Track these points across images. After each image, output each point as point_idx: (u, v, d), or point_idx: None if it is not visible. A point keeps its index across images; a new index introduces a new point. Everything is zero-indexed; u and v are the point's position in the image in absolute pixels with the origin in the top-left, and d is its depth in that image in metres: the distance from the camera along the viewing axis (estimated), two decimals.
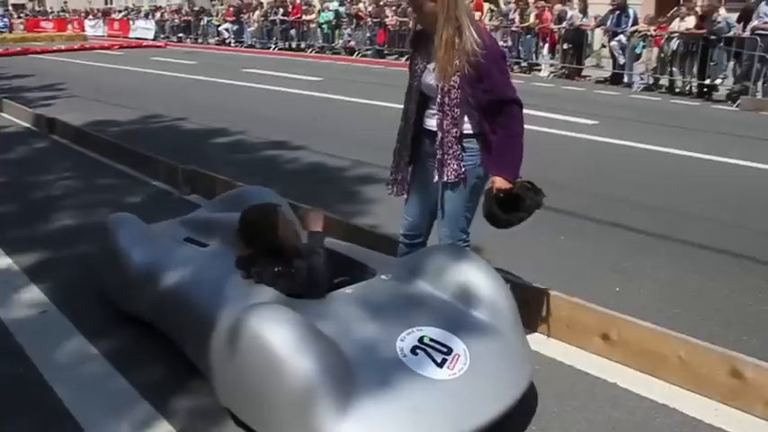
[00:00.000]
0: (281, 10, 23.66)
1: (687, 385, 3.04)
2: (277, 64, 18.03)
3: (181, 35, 28.55)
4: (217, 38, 26.39)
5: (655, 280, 4.25)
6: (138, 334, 3.45)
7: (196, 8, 30.03)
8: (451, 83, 2.98)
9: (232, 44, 25.22)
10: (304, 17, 22.78)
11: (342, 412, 2.26)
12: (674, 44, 12.82)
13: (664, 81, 13.45)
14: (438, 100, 3.05)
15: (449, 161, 3.09)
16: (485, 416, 2.43)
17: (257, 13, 24.94)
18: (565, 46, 15.26)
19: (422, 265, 3.01)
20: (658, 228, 5.13)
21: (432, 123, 3.15)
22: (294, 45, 23.18)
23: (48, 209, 5.63)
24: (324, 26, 21.86)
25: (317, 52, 21.83)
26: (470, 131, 3.10)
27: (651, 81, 13.63)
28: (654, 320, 3.33)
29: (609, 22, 14.27)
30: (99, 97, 12.08)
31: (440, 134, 3.10)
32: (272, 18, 23.96)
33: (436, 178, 3.15)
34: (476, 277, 2.90)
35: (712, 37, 12.12)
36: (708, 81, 12.32)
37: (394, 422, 2.30)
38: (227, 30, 25.71)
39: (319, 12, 22.45)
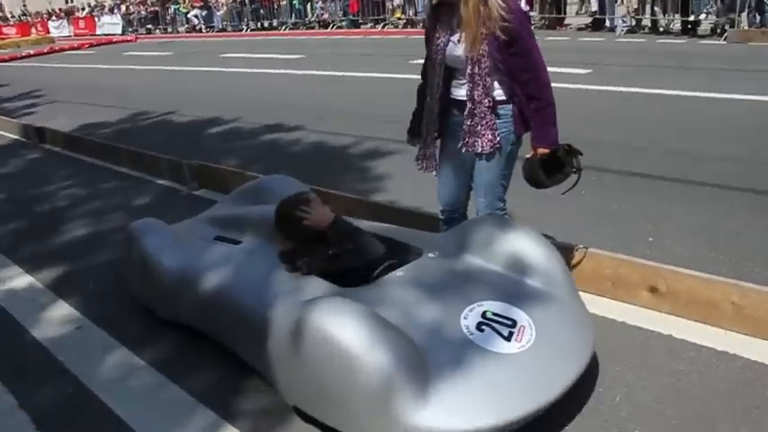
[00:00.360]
0: None
1: (743, 330, 3.02)
2: (253, 45, 17.79)
3: (149, 26, 28.07)
4: (186, 25, 25.99)
5: (685, 226, 4.22)
6: (180, 339, 3.40)
7: None
8: (481, 51, 2.91)
9: (203, 30, 24.86)
10: None
11: (421, 400, 2.22)
12: None
13: (646, 21, 13.36)
14: (468, 71, 2.97)
15: (483, 131, 3.03)
16: (559, 385, 2.40)
17: None
18: None
19: (468, 238, 2.96)
20: (676, 172, 5.11)
21: (461, 94, 3.08)
22: (266, 24, 22.86)
23: (57, 221, 5.52)
24: (295, 2, 21.53)
25: (290, 29, 21.56)
26: (503, 98, 3.04)
27: (633, 23, 13.53)
28: (694, 267, 3.31)
29: None
30: (81, 99, 11.86)
31: (470, 105, 3.03)
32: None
33: (471, 149, 3.09)
34: (525, 245, 2.86)
35: None
36: (692, 17, 12.24)
37: (473, 402, 2.26)
38: (196, 16, 25.32)
39: None
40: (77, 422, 2.91)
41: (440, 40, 3.07)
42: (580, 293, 3.38)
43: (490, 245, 2.89)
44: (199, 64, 14.86)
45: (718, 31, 11.71)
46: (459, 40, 2.98)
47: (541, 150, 3.04)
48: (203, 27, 24.99)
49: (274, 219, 3.02)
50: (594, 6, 14.04)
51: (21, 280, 4.43)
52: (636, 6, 13.30)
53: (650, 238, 4.08)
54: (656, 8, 12.91)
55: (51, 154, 8.06)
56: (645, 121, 6.71)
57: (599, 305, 3.37)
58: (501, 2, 2.85)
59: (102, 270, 4.42)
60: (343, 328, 2.29)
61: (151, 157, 6.41)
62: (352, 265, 2.87)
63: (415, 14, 18.40)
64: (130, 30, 28.59)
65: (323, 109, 8.69)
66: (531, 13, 15.47)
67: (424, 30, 3.19)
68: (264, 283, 2.88)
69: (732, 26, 11.46)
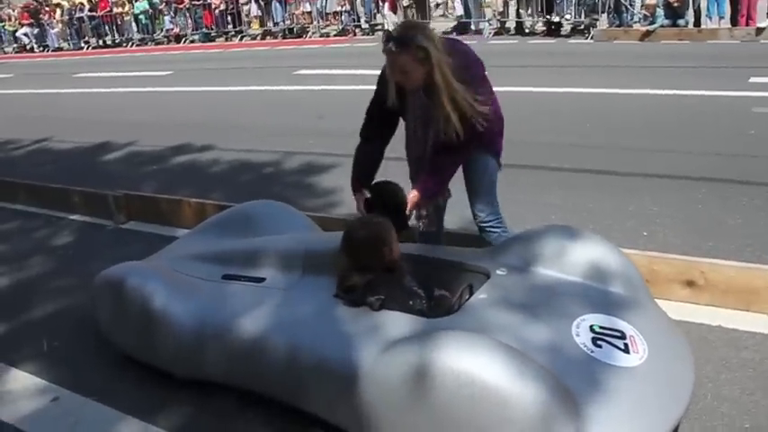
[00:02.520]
0: (87, 5, 21.67)
1: None
2: (104, 64, 16.56)
3: None
4: (15, 45, 23.81)
5: (668, 217, 4.27)
6: (195, 396, 2.92)
7: None
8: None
9: (35, 50, 22.88)
10: (115, 10, 21.07)
11: (579, 425, 2.00)
12: None
13: (510, 24, 13.84)
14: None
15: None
16: (688, 391, 2.27)
17: (58, 12, 22.72)
18: (405, 2, 15.26)
19: (534, 250, 2.75)
20: (629, 167, 5.20)
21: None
22: (110, 41, 21.46)
23: None
24: (141, 17, 20.36)
25: (137, 45, 20.37)
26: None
27: (498, 25, 13.97)
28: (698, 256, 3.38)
29: None
30: None
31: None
32: (78, 16, 21.93)
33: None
34: (598, 252, 2.71)
35: None
36: (556, 18, 12.81)
37: (628, 422, 2.09)
38: (26, 35, 23.21)
39: (132, 2, 20.81)
40: None
41: (411, 116, 3.07)
42: None
43: (562, 255, 2.70)
44: (51, 86, 13.56)
45: (583, 30, 12.34)
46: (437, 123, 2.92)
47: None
48: (35, 46, 23.01)
49: (345, 248, 2.66)
50: (459, 10, 14.33)
51: None
52: (501, 9, 13.75)
53: (644, 233, 4.09)
54: (520, 10, 13.40)
55: None
56: (560, 120, 6.84)
57: None
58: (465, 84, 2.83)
59: (49, 325, 3.77)
60: (482, 364, 2.03)
61: (59, 190, 5.64)
62: (424, 295, 2.58)
63: (274, 24, 18.00)
64: None
65: (221, 126, 8.16)
66: (395, 19, 15.61)
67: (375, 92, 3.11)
68: (328, 324, 2.53)
69: (594, 26, 12.12)
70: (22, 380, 3.28)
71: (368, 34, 16.00)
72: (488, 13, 14.29)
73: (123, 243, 4.81)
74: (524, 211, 4.38)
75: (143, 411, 2.90)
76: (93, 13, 21.48)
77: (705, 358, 2.86)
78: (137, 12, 20.40)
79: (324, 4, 16.98)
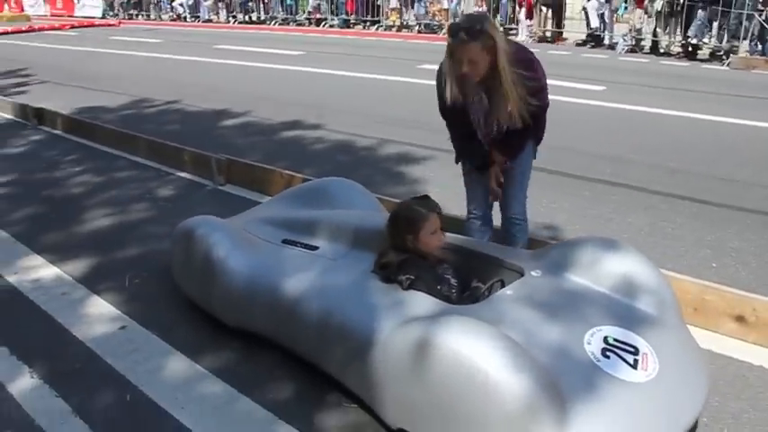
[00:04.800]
0: None
1: None
2: (245, 39, 17.44)
3: (132, 12, 27.43)
4: (171, 13, 25.46)
5: (746, 253, 4.14)
6: (243, 347, 3.19)
7: None
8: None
9: (188, 20, 24.37)
10: None
11: (562, 426, 2.08)
12: (658, 4, 12.77)
13: (645, 42, 13.43)
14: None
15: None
16: (690, 415, 2.30)
17: None
18: (543, 9, 15.13)
19: (571, 257, 2.81)
20: (723, 198, 5.04)
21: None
22: (255, 18, 22.53)
23: (75, 208, 5.23)
24: None
25: (279, 24, 21.25)
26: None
27: (633, 42, 13.59)
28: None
29: None
30: (74, 82, 11.43)
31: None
32: None
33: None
34: (634, 267, 2.74)
35: None
36: (694, 41, 12.32)
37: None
38: (181, 5, 24.79)
39: None
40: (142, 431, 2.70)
41: (474, 117, 3.21)
42: None
43: (597, 266, 2.75)
44: (193, 53, 14.49)
45: (721, 56, 11.81)
46: (494, 115, 3.15)
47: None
48: (188, 16, 24.51)
49: (388, 226, 2.83)
50: (594, 23, 14.04)
51: (47, 271, 4.15)
52: (639, 26, 13.36)
53: (714, 264, 4.00)
54: (658, 29, 12.97)
55: (54, 137, 7.70)
56: (671, 143, 6.65)
57: None
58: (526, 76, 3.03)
59: (135, 264, 4.18)
60: (480, 349, 2.14)
61: (173, 148, 6.13)
62: (454, 282, 2.71)
63: (410, 18, 18.31)
64: (111, 14, 27.90)
65: (335, 108, 8.49)
66: (530, 24, 15.51)
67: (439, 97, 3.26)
68: (360, 295, 2.71)
69: (735, 53, 11.57)
70: (100, 307, 3.68)
71: None
72: (624, 28, 13.91)
73: (218, 203, 5.19)
74: (601, 228, 4.41)
75: (193, 351, 3.20)
76: None
77: (735, 395, 2.82)
78: None
79: (460, 3, 17.10)
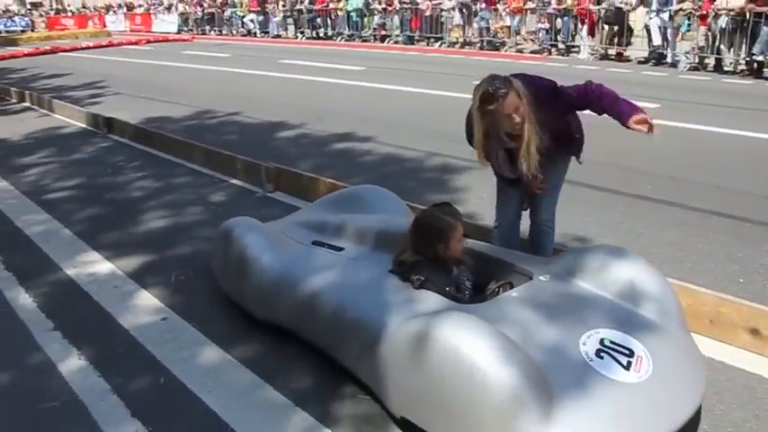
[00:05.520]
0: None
1: None
2: (311, 54, 17.92)
3: (205, 27, 28.48)
4: (242, 29, 26.32)
5: None
6: (270, 340, 3.42)
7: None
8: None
9: (258, 35, 25.15)
10: (331, 5, 22.64)
11: (547, 419, 2.21)
12: (723, 21, 12.56)
13: (709, 60, 13.21)
14: None
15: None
16: (678, 419, 2.37)
17: (281, 3, 24.80)
18: (605, 27, 15.06)
19: (580, 264, 2.94)
20: (761, 215, 5.00)
21: None
22: (321, 33, 23.10)
23: (133, 210, 5.61)
24: (352, 14, 21.71)
25: (345, 40, 21.72)
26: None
27: (696, 60, 13.38)
28: None
29: (654, 2, 13.95)
30: (145, 94, 12.05)
31: None
32: (298, 8, 23.84)
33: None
34: (640, 275, 2.83)
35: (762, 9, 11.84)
36: (760, 57, 12.06)
37: (598, 428, 2.24)
38: (252, 21, 25.62)
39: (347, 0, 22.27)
40: (173, 413, 2.93)
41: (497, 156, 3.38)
42: None
43: (603, 272, 2.86)
44: (258, 68, 15.03)
45: None
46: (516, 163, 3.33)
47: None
48: (258, 32, 25.31)
49: (411, 229, 3.02)
50: (657, 40, 13.90)
51: (102, 267, 4.49)
52: (702, 44, 13.15)
53: (741, 280, 4.01)
54: (722, 46, 12.75)
55: (120, 145, 8.19)
56: (722, 162, 6.58)
57: (696, 342, 3.31)
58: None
59: (183, 263, 4.47)
60: (474, 344, 2.29)
61: (226, 156, 6.47)
62: (469, 284, 2.87)
63: (473, 35, 18.47)
64: (186, 29, 29.04)
65: (387, 121, 8.72)
66: (591, 43, 15.44)
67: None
68: (374, 292, 2.90)
69: None
70: (146, 299, 3.98)
71: (563, 55, 15.95)
72: (686, 45, 13.72)
73: (265, 208, 5.46)
74: (631, 241, 4.47)
75: (225, 342, 3.45)
76: (312, 6, 23.23)
77: (740, 405, 2.86)
78: (349, 9, 21.77)
79: (522, 20, 17.17)
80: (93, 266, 4.50)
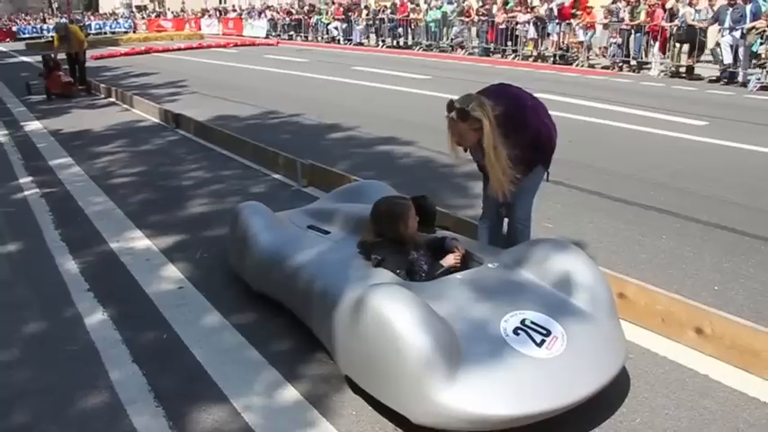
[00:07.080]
0: (389, 9, 24.15)
1: None
2: (385, 62, 18.46)
3: (292, 33, 29.59)
4: (326, 36, 27.22)
5: (754, 281, 4.30)
6: (267, 311, 3.87)
7: (306, 7, 31.03)
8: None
9: (341, 42, 25.96)
10: (411, 15, 23.19)
11: (450, 381, 2.56)
12: None
13: None
14: None
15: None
16: (579, 393, 2.67)
17: (365, 12, 25.56)
18: (677, 45, 14.94)
19: (527, 255, 3.27)
20: (763, 230, 5.13)
21: None
22: (401, 42, 23.66)
23: (180, 197, 6.23)
24: (431, 24, 22.18)
25: (423, 50, 22.18)
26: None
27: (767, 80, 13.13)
28: (749, 319, 3.45)
29: (727, 20, 13.78)
30: (219, 93, 12.87)
31: None
32: (380, 17, 24.52)
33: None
34: (576, 268, 3.13)
35: None
36: None
37: (495, 392, 2.58)
38: (336, 28, 26.49)
39: (427, 10, 22.75)
40: (166, 362, 3.45)
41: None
42: (632, 326, 3.65)
43: (546, 263, 3.18)
44: (330, 73, 15.67)
45: None
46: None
47: None
48: (342, 39, 26.13)
49: (371, 212, 3.44)
50: (728, 59, 13.71)
51: (141, 243, 5.10)
52: None
53: (716, 287, 4.20)
54: None
55: (185, 139, 8.93)
56: (746, 179, 6.62)
57: (646, 339, 3.57)
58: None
59: (210, 242, 5.02)
60: (395, 311, 2.67)
61: (271, 152, 7.04)
62: (418, 265, 3.26)
63: (546, 49, 18.59)
64: (274, 34, 30.24)
65: (433, 128, 8.98)
66: (663, 61, 15.32)
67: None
68: (341, 269, 3.31)
69: None
70: (170, 272, 4.55)
71: (634, 71, 15.89)
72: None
73: (297, 201, 5.93)
74: (624, 247, 4.68)
75: (227, 310, 3.96)
76: (393, 16, 23.86)
77: (666, 394, 3.10)
78: (429, 19, 22.25)
79: (595, 35, 17.19)
80: (134, 242, 5.12)
